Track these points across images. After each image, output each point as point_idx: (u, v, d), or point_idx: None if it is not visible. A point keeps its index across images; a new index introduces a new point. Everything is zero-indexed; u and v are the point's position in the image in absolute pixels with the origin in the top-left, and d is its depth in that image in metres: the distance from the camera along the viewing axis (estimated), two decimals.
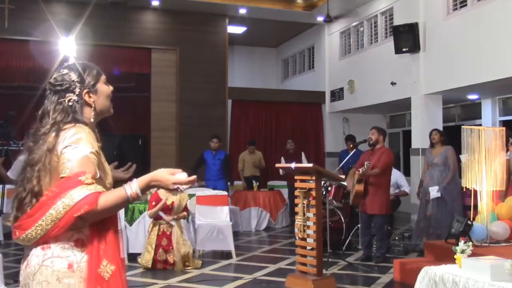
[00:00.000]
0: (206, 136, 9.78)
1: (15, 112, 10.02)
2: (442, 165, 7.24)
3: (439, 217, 7.08)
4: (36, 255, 1.90)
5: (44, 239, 1.86)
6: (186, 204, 6.60)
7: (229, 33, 12.56)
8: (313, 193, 5.43)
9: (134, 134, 11.60)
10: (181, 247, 6.36)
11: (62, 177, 1.84)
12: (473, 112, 11.25)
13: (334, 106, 12.96)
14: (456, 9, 9.02)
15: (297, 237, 5.65)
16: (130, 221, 7.04)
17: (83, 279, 1.87)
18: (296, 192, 5.61)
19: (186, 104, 11.76)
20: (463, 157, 5.65)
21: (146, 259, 6.33)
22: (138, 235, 6.99)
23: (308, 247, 5.46)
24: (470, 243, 3.79)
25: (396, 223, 9.72)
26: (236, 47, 14.74)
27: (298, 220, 5.53)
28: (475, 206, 5.60)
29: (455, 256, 3.72)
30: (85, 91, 2.03)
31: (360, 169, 6.65)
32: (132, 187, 1.86)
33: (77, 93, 2.02)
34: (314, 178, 5.47)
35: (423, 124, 9.34)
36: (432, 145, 7.51)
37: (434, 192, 7.11)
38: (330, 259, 6.40)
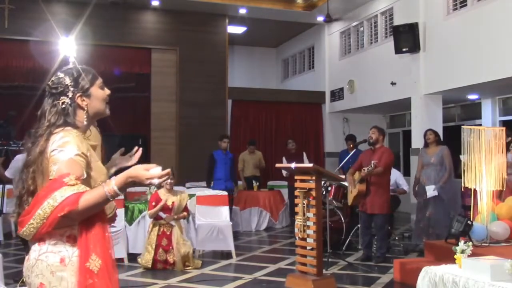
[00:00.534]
0: (206, 136, 9.78)
1: (15, 112, 10.03)
2: (439, 165, 7.25)
3: (438, 216, 7.09)
4: (34, 250, 2.06)
5: (38, 236, 1.97)
6: (186, 204, 6.61)
7: (229, 33, 12.56)
8: (313, 193, 5.44)
9: (134, 134, 11.58)
10: (181, 247, 6.36)
11: (50, 179, 1.96)
12: (473, 112, 11.25)
13: (334, 106, 12.96)
14: (456, 9, 9.02)
15: (297, 237, 5.65)
16: (130, 221, 7.04)
17: (75, 272, 1.99)
18: (296, 192, 5.61)
19: (186, 104, 11.76)
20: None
21: (146, 259, 6.34)
22: (138, 235, 7.00)
23: (308, 247, 5.47)
24: (470, 243, 3.80)
25: (396, 223, 9.72)
26: (236, 47, 14.75)
27: (298, 220, 5.54)
28: (475, 206, 5.60)
29: (455, 256, 3.72)
30: (78, 94, 2.15)
31: (366, 168, 6.62)
32: (109, 185, 1.94)
33: (70, 96, 2.14)
34: (314, 178, 5.47)
35: (423, 124, 9.32)
36: (426, 144, 7.51)
37: (430, 191, 7.13)
38: (330, 259, 6.40)
